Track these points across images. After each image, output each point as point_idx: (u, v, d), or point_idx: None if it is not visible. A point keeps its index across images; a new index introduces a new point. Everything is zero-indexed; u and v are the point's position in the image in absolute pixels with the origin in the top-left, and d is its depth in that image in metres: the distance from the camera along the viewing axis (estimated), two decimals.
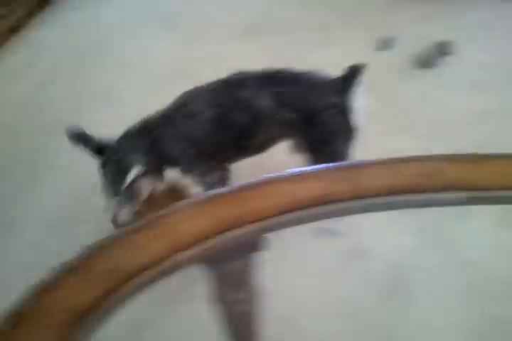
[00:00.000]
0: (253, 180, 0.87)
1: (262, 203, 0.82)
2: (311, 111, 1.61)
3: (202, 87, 1.69)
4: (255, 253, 0.86)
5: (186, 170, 1.77)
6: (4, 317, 0.67)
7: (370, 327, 1.57)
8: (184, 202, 0.83)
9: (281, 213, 0.81)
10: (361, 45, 2.89)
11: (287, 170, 0.88)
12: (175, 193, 1.77)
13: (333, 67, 1.62)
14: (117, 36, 3.12)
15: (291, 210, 0.80)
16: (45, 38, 3.15)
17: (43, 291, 0.70)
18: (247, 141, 1.69)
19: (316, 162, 1.70)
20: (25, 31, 3.16)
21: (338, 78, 1.66)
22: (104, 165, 1.62)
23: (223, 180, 1.81)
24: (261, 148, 1.76)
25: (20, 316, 0.67)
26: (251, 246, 0.84)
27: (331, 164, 0.84)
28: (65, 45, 3.07)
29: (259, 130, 1.65)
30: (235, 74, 1.67)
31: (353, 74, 1.63)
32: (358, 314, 1.60)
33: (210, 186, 1.80)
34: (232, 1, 3.46)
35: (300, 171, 0.86)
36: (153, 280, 0.73)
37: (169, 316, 1.62)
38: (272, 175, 0.85)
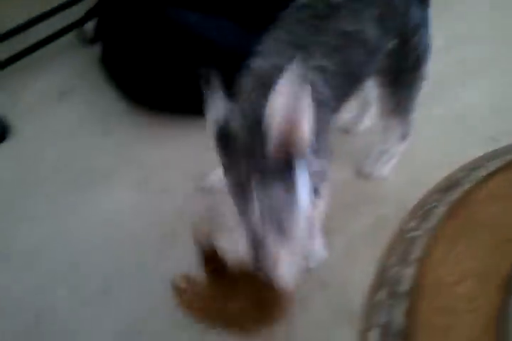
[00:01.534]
0: None
1: None
2: (406, 32, 1.29)
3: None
4: None
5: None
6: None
7: None
8: None
9: None
10: None
11: None
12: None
13: None
14: None
15: None
16: None
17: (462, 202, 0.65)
18: (358, 84, 1.27)
19: (399, 92, 1.41)
20: None
21: None
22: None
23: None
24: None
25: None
26: None
27: None
28: None
29: (372, 67, 1.29)
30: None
31: None
32: None
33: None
34: None
35: None
36: None
37: None
38: None
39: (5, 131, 1.72)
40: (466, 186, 0.69)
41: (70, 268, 1.39)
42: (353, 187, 1.50)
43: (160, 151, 1.65)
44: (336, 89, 1.15)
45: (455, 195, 0.68)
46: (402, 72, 1.39)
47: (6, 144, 1.71)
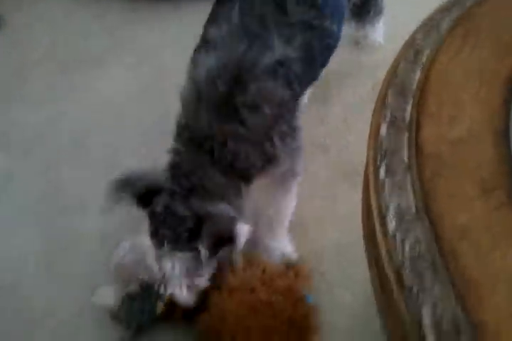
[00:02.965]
0: None
1: None
2: None
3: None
4: None
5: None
6: None
7: None
8: None
9: None
10: None
11: None
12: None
13: None
14: None
15: None
16: None
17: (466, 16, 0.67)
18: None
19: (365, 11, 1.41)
20: None
21: None
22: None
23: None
24: None
25: None
26: None
27: None
28: None
29: None
30: None
31: None
32: None
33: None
34: None
35: None
36: None
37: None
38: None
39: None
40: (469, 3, 0.70)
41: (73, 149, 1.42)
42: (349, 57, 1.52)
43: (152, 33, 1.64)
44: None
45: (459, 11, 0.70)
46: None
47: None
